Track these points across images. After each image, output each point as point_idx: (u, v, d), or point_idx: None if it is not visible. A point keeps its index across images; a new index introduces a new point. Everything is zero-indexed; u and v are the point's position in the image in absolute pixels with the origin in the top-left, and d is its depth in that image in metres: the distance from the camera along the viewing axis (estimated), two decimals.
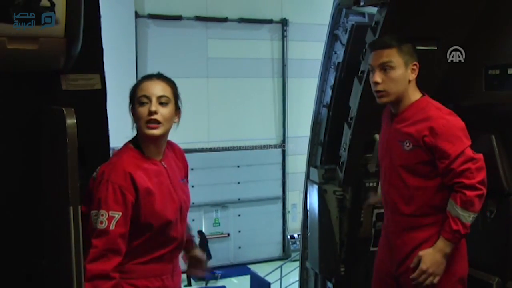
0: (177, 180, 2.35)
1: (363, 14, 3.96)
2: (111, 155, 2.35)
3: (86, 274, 1.97)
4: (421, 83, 2.69)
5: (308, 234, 4.05)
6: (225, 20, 13.01)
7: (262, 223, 13.74)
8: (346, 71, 3.88)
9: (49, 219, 2.19)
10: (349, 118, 3.52)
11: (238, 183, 13.48)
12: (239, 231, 13.72)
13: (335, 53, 4.07)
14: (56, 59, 2.12)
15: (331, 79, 4.07)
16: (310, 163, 4.15)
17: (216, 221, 13.60)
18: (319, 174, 3.83)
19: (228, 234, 13.68)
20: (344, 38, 3.95)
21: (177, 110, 2.26)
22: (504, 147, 2.97)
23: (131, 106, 2.23)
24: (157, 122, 2.16)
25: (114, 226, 2.04)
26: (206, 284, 12.60)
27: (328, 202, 3.70)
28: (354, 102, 3.43)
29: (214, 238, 13.46)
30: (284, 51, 13.68)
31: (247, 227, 13.65)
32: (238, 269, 13.10)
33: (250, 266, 12.69)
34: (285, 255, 13.74)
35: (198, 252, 2.58)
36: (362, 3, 3.56)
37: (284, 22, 13.57)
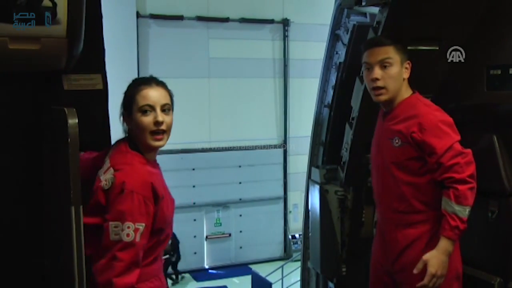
0: None
1: (364, 14, 3.96)
2: None
3: None
4: (423, 83, 2.69)
5: (310, 234, 4.05)
6: (226, 20, 13.00)
7: (263, 223, 13.73)
8: (347, 71, 3.88)
9: (50, 219, 2.19)
10: (350, 118, 3.52)
11: (240, 183, 13.47)
12: (241, 231, 13.71)
13: (337, 53, 4.07)
14: (57, 59, 2.12)
15: (333, 79, 4.07)
16: (312, 163, 4.15)
17: (218, 221, 13.60)
18: (320, 174, 3.83)
19: (230, 234, 13.67)
20: (345, 38, 3.95)
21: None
22: (506, 148, 2.96)
23: (125, 112, 2.16)
24: (163, 132, 2.13)
25: (139, 238, 2.00)
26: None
27: (329, 202, 3.69)
28: (355, 102, 3.43)
29: (215, 238, 13.47)
30: (286, 51, 13.67)
31: (249, 227, 13.64)
32: (239, 269, 13.10)
33: (251, 266, 12.69)
34: (286, 255, 13.73)
35: None
36: (363, 3, 3.56)
37: (285, 22, 13.56)
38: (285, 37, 13.64)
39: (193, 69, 12.54)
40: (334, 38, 4.09)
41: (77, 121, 1.94)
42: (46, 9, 1.97)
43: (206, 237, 13.40)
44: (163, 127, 2.12)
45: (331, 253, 3.71)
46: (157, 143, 2.13)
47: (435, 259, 2.48)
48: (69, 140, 1.92)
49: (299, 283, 4.63)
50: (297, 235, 13.55)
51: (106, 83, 2.40)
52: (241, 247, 13.72)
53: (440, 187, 2.54)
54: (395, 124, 2.65)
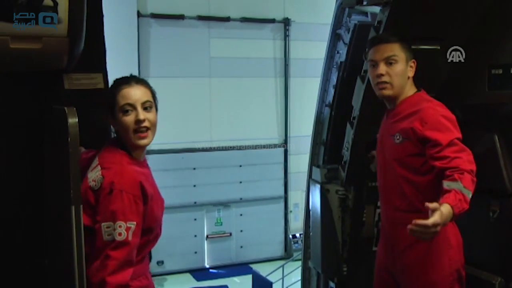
0: None
1: (366, 14, 3.95)
2: None
3: (106, 286, 1.94)
4: (424, 83, 2.69)
5: (311, 233, 4.05)
6: (227, 19, 12.98)
7: (264, 222, 13.71)
8: (348, 70, 3.88)
9: (51, 218, 2.19)
10: (351, 118, 3.52)
11: (240, 182, 13.45)
12: (241, 231, 13.70)
13: (338, 52, 4.07)
14: (59, 59, 2.12)
15: (334, 79, 4.06)
16: (313, 162, 4.15)
17: (218, 221, 13.58)
18: (321, 174, 3.82)
19: (230, 234, 13.65)
20: (346, 37, 3.95)
21: (157, 111, 2.21)
22: (507, 147, 2.96)
23: (110, 113, 2.14)
24: (146, 129, 2.12)
25: (131, 236, 2.00)
26: None
27: (330, 202, 3.69)
28: (356, 101, 3.43)
29: (216, 237, 13.45)
30: (287, 51, 13.64)
31: (249, 227, 13.62)
32: (240, 268, 13.08)
33: (252, 266, 12.68)
34: (287, 255, 13.71)
35: None
36: (364, 3, 3.56)
37: (286, 22, 13.52)
38: (286, 37, 13.61)
39: (194, 69, 12.52)
40: (335, 37, 4.09)
41: (77, 120, 1.94)
42: (47, 9, 1.97)
43: (207, 236, 13.38)
44: (146, 124, 2.11)
45: (332, 253, 3.71)
46: (141, 142, 2.13)
47: (445, 214, 2.21)
48: (69, 139, 1.92)
49: (299, 282, 4.62)
50: (297, 235, 13.53)
51: (107, 82, 2.41)
52: (241, 247, 13.70)
53: (440, 184, 2.41)
54: (397, 121, 2.65)
